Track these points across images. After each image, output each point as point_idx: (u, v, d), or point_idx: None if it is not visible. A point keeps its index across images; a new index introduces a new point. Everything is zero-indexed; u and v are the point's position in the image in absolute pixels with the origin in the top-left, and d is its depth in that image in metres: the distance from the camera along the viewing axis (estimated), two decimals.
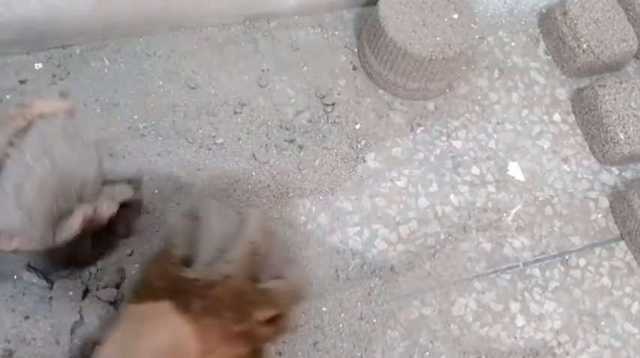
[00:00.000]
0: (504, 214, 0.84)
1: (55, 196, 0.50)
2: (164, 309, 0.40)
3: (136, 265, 0.70)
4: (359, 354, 0.71)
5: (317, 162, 0.81)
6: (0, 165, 0.48)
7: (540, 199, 0.86)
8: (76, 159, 0.52)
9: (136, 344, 0.39)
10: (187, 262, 0.44)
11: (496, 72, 0.94)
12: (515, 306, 0.78)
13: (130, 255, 0.71)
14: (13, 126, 0.48)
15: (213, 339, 0.41)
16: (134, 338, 0.39)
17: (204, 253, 0.45)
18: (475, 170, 0.86)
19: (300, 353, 0.70)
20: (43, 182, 0.49)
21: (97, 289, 0.68)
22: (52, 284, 0.67)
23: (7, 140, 0.47)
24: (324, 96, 0.86)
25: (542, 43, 0.99)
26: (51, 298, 0.66)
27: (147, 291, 0.42)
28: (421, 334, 0.74)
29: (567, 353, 0.77)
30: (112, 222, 0.57)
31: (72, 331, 0.65)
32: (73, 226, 0.51)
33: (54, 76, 0.79)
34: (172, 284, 0.41)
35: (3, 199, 0.47)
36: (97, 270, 0.69)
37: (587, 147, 0.92)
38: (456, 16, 0.84)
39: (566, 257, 0.83)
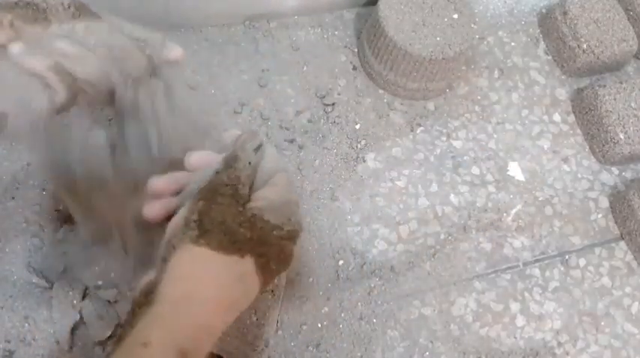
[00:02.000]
0: (504, 214, 0.84)
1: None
2: (249, 269, 0.35)
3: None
4: (359, 354, 0.71)
5: (317, 162, 0.81)
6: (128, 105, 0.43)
7: (540, 199, 0.86)
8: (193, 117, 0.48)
9: (205, 320, 0.34)
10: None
11: (496, 72, 0.94)
12: (515, 306, 0.78)
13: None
14: (136, 65, 0.42)
15: (268, 283, 0.38)
16: (204, 314, 0.34)
17: (273, 198, 0.39)
18: (475, 170, 0.86)
19: (300, 354, 0.70)
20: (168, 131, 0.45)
21: (97, 289, 0.68)
22: (52, 285, 0.67)
23: (129, 78, 0.42)
24: (324, 96, 0.86)
25: (542, 43, 0.99)
26: (51, 298, 0.66)
27: (231, 240, 0.35)
28: (421, 334, 0.74)
29: (567, 353, 0.77)
30: None
31: (72, 331, 0.65)
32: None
33: None
34: (256, 234, 0.36)
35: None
36: (98, 270, 0.69)
37: (587, 147, 0.92)
38: (456, 16, 0.84)
39: (566, 257, 0.83)
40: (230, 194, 0.37)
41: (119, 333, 0.35)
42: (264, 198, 0.39)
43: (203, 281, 0.34)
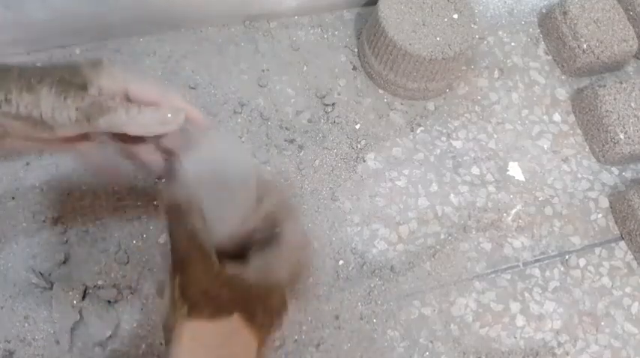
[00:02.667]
0: (504, 214, 0.84)
1: None
2: (237, 325, 0.37)
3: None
4: (359, 354, 0.71)
5: (317, 162, 0.81)
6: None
7: (540, 199, 0.86)
8: None
9: None
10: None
11: (496, 72, 0.94)
12: (515, 306, 0.78)
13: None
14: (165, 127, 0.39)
15: (264, 339, 0.40)
16: None
17: (254, 249, 0.40)
18: (475, 170, 0.86)
19: (300, 354, 0.70)
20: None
21: (98, 289, 0.68)
22: (52, 285, 0.67)
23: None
24: (324, 96, 0.86)
25: (542, 43, 0.99)
26: (51, 298, 0.66)
27: (214, 306, 0.37)
28: (421, 334, 0.74)
29: (567, 353, 0.77)
30: None
31: (72, 331, 0.65)
32: None
33: None
34: (235, 291, 0.37)
35: None
36: (98, 270, 0.69)
37: (587, 147, 0.92)
38: (456, 16, 0.84)
39: (566, 257, 0.83)
40: (200, 259, 0.38)
41: None
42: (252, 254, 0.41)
43: (204, 351, 0.36)
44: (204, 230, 0.39)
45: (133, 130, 0.38)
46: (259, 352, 0.39)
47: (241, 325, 0.37)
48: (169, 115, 0.38)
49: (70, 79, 0.36)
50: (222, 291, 0.37)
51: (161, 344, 0.66)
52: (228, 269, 0.39)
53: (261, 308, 0.39)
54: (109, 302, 0.67)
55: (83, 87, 0.36)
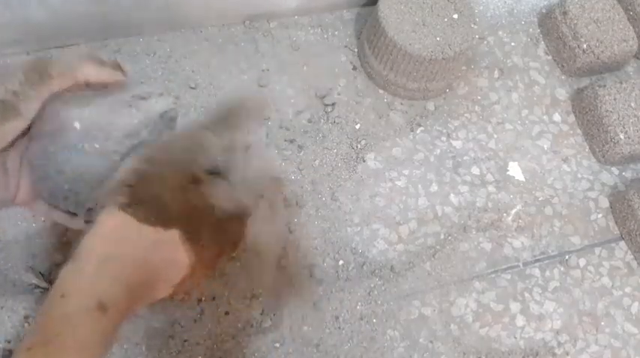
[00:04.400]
0: (504, 214, 0.84)
1: None
2: (173, 240, 0.35)
3: None
4: (359, 354, 0.71)
5: (317, 162, 0.81)
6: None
7: (540, 199, 0.86)
8: None
9: (123, 277, 0.34)
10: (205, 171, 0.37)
11: (496, 72, 0.94)
12: (515, 306, 0.78)
13: None
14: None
15: (201, 269, 0.38)
16: (122, 271, 0.34)
17: (236, 175, 0.39)
18: (475, 170, 0.86)
19: (300, 354, 0.70)
20: None
21: None
22: (52, 285, 0.67)
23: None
24: (324, 96, 0.86)
25: (542, 43, 0.99)
26: None
27: (159, 212, 0.35)
28: (421, 334, 0.74)
29: (567, 353, 0.77)
30: None
31: None
32: None
33: None
34: (190, 208, 0.36)
35: None
36: None
37: (587, 147, 0.92)
38: (456, 16, 0.84)
39: (566, 257, 0.83)
40: (182, 168, 0.36)
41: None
42: (227, 187, 0.39)
43: (123, 243, 0.35)
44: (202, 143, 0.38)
45: (85, 71, 0.38)
46: (194, 275, 0.38)
47: (177, 241, 0.36)
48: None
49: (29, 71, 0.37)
50: (175, 205, 0.36)
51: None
52: (201, 186, 0.37)
53: (209, 232, 0.37)
54: None
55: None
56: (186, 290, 0.43)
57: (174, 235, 0.36)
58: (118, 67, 0.40)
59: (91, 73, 0.39)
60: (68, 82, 0.38)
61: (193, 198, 0.36)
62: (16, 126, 0.36)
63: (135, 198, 0.35)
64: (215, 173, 0.39)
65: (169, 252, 0.36)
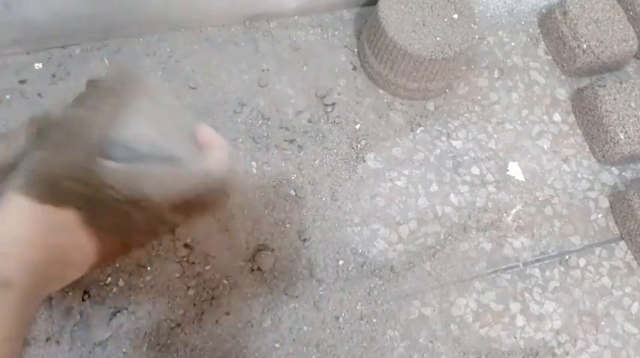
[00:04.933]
0: (504, 214, 0.84)
1: None
2: (69, 221, 0.35)
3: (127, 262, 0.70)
4: (359, 354, 0.71)
5: (317, 162, 0.81)
6: None
7: (540, 199, 0.86)
8: None
9: (24, 256, 0.34)
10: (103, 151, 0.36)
11: (496, 72, 0.94)
12: (515, 306, 0.78)
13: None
14: None
15: (110, 253, 0.38)
16: (22, 249, 0.34)
17: (131, 150, 0.37)
18: (475, 170, 0.86)
19: (300, 354, 0.70)
20: None
21: (98, 289, 0.68)
22: None
23: None
24: (324, 96, 0.86)
25: (542, 43, 0.99)
26: (51, 298, 0.66)
27: (51, 192, 0.35)
28: (421, 334, 0.74)
29: (567, 353, 0.77)
30: None
31: (72, 331, 0.65)
32: None
33: (54, 76, 0.79)
34: (85, 190, 0.35)
35: None
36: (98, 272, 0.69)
37: (587, 147, 0.92)
38: (456, 16, 0.84)
39: (566, 257, 0.83)
40: (80, 144, 0.35)
41: None
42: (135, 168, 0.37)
43: (21, 224, 0.34)
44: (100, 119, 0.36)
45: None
46: (104, 260, 0.37)
47: (71, 221, 0.35)
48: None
49: None
50: (70, 183, 0.35)
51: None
52: (101, 167, 0.36)
53: (112, 218, 0.36)
54: (110, 302, 0.67)
55: None
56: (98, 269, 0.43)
57: (70, 216, 0.35)
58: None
59: None
60: None
61: (90, 181, 0.35)
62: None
63: (30, 179, 0.35)
64: (116, 158, 0.38)
65: (70, 233, 0.36)
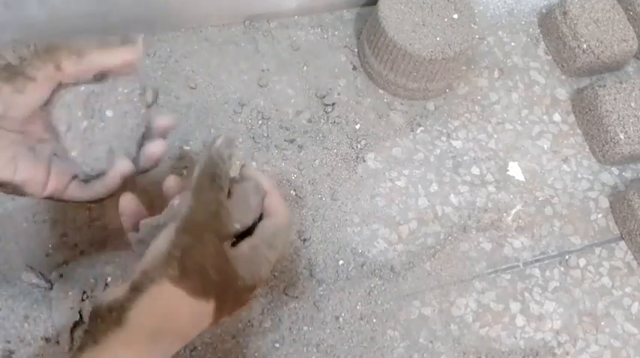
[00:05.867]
0: (504, 214, 0.84)
1: None
2: (209, 311, 0.36)
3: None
4: (359, 354, 0.71)
5: (317, 162, 0.81)
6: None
7: (540, 199, 0.86)
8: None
9: (166, 342, 0.35)
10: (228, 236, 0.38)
11: (496, 72, 0.94)
12: (515, 306, 0.78)
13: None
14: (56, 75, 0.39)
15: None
16: (167, 337, 0.35)
17: (257, 243, 0.40)
18: (475, 170, 0.86)
19: (300, 354, 0.70)
20: None
21: (98, 289, 0.68)
22: (52, 285, 0.67)
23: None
24: (324, 96, 0.86)
25: (542, 43, 0.99)
26: (51, 298, 0.66)
27: (202, 285, 0.36)
28: (421, 334, 0.74)
29: (567, 353, 0.77)
30: None
31: (72, 331, 0.65)
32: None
33: None
34: (223, 280, 0.36)
35: None
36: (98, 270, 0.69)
37: (587, 147, 0.92)
38: (456, 16, 0.84)
39: (566, 257, 0.83)
40: (214, 230, 0.37)
41: (81, 342, 0.36)
42: (247, 245, 0.40)
43: (171, 317, 0.36)
44: (226, 206, 0.39)
45: (95, 57, 0.39)
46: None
47: (210, 311, 0.36)
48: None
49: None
50: (213, 273, 0.36)
51: None
52: (229, 253, 0.38)
53: (230, 302, 0.38)
54: None
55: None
56: None
57: (211, 306, 0.36)
58: (128, 40, 0.41)
59: (102, 57, 0.39)
60: (77, 67, 0.38)
61: (226, 268, 0.37)
62: (30, 98, 0.37)
63: (184, 271, 0.35)
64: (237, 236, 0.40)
65: (205, 320, 0.37)
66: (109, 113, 0.44)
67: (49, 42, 0.38)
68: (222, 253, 0.37)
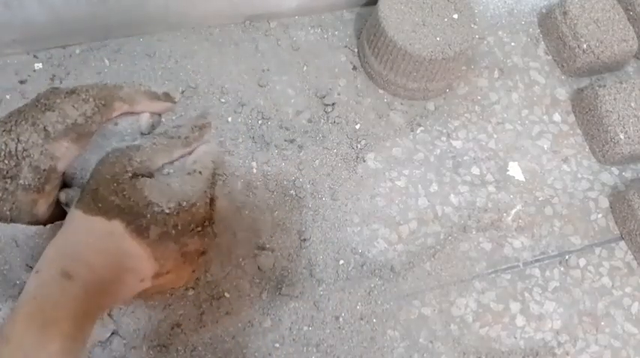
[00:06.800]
0: (504, 214, 0.84)
1: None
2: (117, 230, 0.39)
3: None
4: (359, 354, 0.71)
5: (317, 162, 0.81)
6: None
7: (540, 199, 0.86)
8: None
9: (82, 256, 0.38)
10: (142, 171, 0.41)
11: (496, 72, 0.94)
12: (515, 306, 0.78)
13: None
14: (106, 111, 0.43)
15: (170, 261, 0.41)
16: (81, 250, 0.38)
17: (164, 168, 0.43)
18: (475, 170, 0.86)
19: (300, 354, 0.70)
20: None
21: None
22: None
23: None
24: (324, 96, 0.86)
25: (542, 43, 0.99)
26: None
27: (97, 205, 0.39)
28: (421, 334, 0.74)
29: (567, 353, 0.77)
30: None
31: None
32: None
33: (54, 76, 0.79)
34: (127, 203, 0.39)
35: None
36: None
37: (587, 147, 0.92)
38: (456, 16, 0.84)
39: (566, 257, 0.83)
40: (122, 166, 0.41)
41: None
42: (161, 176, 0.43)
43: (76, 233, 0.40)
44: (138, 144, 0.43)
45: (143, 105, 0.44)
46: (170, 271, 0.42)
47: (120, 232, 0.39)
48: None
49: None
50: (112, 197, 0.39)
51: None
52: (141, 183, 0.40)
53: (158, 227, 0.40)
54: None
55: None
56: (171, 287, 0.46)
57: (117, 226, 0.39)
58: (169, 97, 0.46)
59: (148, 107, 0.45)
60: (123, 110, 0.43)
61: (131, 193, 0.40)
62: (79, 146, 0.42)
63: (83, 196, 0.40)
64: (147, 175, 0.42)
65: (119, 241, 0.39)
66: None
67: (105, 91, 0.42)
68: (127, 181, 0.40)
